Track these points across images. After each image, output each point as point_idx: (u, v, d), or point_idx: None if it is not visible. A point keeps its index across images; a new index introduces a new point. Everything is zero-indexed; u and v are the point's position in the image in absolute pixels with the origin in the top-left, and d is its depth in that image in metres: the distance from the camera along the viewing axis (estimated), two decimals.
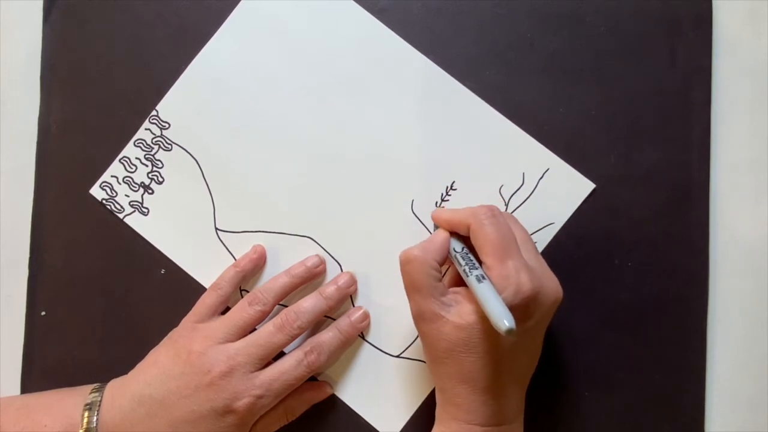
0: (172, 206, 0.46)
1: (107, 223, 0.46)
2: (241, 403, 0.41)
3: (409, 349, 0.46)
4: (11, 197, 0.47)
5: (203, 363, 0.41)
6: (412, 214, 0.46)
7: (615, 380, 0.45)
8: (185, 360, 0.41)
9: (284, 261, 0.46)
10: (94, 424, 0.40)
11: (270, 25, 0.46)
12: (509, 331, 0.33)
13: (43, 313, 0.46)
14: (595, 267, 0.45)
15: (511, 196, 0.46)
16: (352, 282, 0.45)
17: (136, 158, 0.47)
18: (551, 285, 0.38)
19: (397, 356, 0.46)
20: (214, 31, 0.46)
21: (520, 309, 0.36)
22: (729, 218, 0.46)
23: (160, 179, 0.47)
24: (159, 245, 0.46)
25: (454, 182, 0.46)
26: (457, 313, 0.37)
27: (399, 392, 0.45)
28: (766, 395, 0.45)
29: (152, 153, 0.47)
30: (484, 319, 0.36)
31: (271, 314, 0.44)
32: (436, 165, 0.46)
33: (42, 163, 0.47)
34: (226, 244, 0.46)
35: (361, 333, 0.46)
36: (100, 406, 0.41)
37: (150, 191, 0.47)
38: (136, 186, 0.47)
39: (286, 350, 0.44)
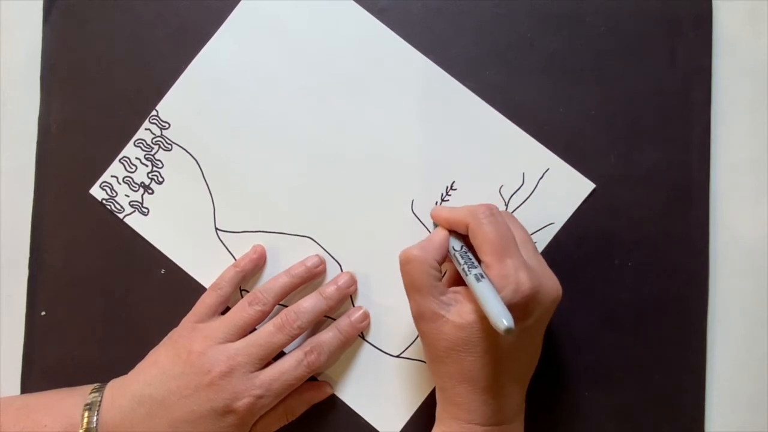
0: (172, 206, 0.46)
1: (107, 223, 0.46)
2: (241, 403, 0.41)
3: (409, 349, 0.46)
4: (11, 197, 0.47)
5: (203, 363, 0.41)
6: (412, 214, 0.46)
7: (615, 380, 0.45)
8: (185, 360, 0.41)
9: (284, 261, 0.46)
10: (94, 424, 0.40)
11: (270, 25, 0.46)
12: (508, 330, 0.33)
13: (43, 313, 0.46)
14: (595, 267, 0.45)
15: (511, 196, 0.46)
16: (352, 282, 0.45)
17: (136, 158, 0.47)
18: (550, 284, 0.38)
19: (397, 356, 0.46)
20: (214, 31, 0.46)
21: (519, 308, 0.36)
22: (729, 218, 0.46)
23: (160, 179, 0.47)
24: (159, 245, 0.46)
25: (454, 182, 0.46)
26: (457, 312, 0.37)
27: (399, 392, 0.45)
28: (766, 395, 0.45)
29: (152, 153, 0.47)
30: (483, 318, 0.36)
31: (271, 314, 0.44)
32: (436, 165, 0.46)
33: (42, 163, 0.47)
34: (226, 244, 0.46)
35: (361, 333, 0.46)
36: (100, 406, 0.41)
37: (150, 191, 0.47)
38: (136, 186, 0.47)
39: (286, 350, 0.44)
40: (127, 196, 0.47)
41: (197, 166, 0.46)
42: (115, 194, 0.46)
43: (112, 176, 0.47)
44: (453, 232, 0.40)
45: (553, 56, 0.46)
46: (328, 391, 0.45)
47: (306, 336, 0.44)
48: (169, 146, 0.47)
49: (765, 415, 0.45)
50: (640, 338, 0.45)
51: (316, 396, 0.45)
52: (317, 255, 0.46)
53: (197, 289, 0.46)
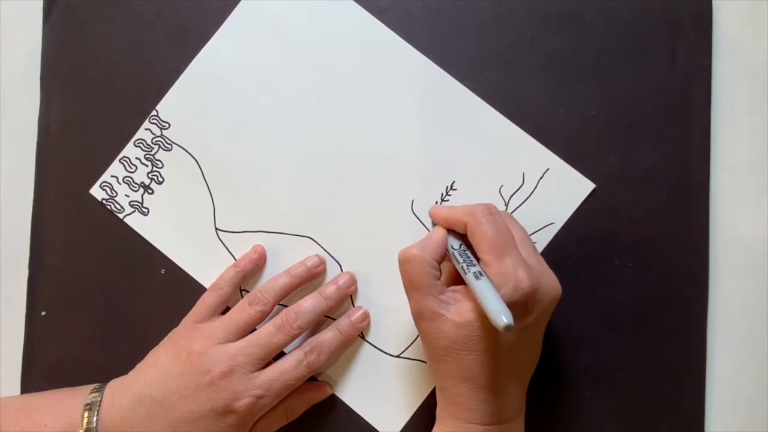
0: (172, 206, 0.46)
1: (107, 223, 0.46)
2: (241, 403, 0.41)
3: (409, 349, 0.46)
4: (11, 197, 0.47)
5: (203, 363, 0.41)
6: (412, 214, 0.46)
7: (615, 380, 0.45)
8: (185, 360, 0.41)
9: (284, 261, 0.46)
10: (94, 424, 0.40)
11: (270, 25, 0.46)
12: (507, 328, 0.33)
13: (43, 313, 0.46)
14: (595, 267, 0.45)
15: (511, 196, 0.46)
16: (352, 282, 0.45)
17: (136, 158, 0.47)
18: (550, 282, 0.38)
19: (397, 356, 0.46)
20: (214, 31, 0.46)
21: (518, 306, 0.36)
22: (729, 218, 0.46)
23: (160, 179, 0.47)
24: (159, 245, 0.46)
25: (454, 182, 0.46)
26: (457, 311, 0.37)
27: (399, 392, 0.45)
28: (766, 395, 0.45)
29: (152, 153, 0.47)
30: (483, 316, 0.36)
31: (271, 314, 0.44)
32: (436, 165, 0.46)
33: (42, 163, 0.47)
34: (226, 244, 0.46)
35: (361, 333, 0.46)
36: (100, 406, 0.41)
37: (150, 191, 0.47)
38: (136, 186, 0.47)
39: (286, 350, 0.44)
40: (127, 196, 0.47)
41: (197, 166, 0.46)
42: (115, 194, 0.46)
43: (112, 176, 0.47)
44: (452, 231, 0.40)
45: (553, 56, 0.46)
46: (328, 391, 0.45)
47: (306, 336, 0.44)
48: (169, 146, 0.47)
49: (765, 415, 0.45)
50: (640, 338, 0.45)
51: (316, 396, 0.45)
52: (317, 255, 0.46)
53: (197, 289, 0.46)
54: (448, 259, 0.40)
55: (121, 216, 0.46)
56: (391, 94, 0.46)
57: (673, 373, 0.45)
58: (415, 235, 0.46)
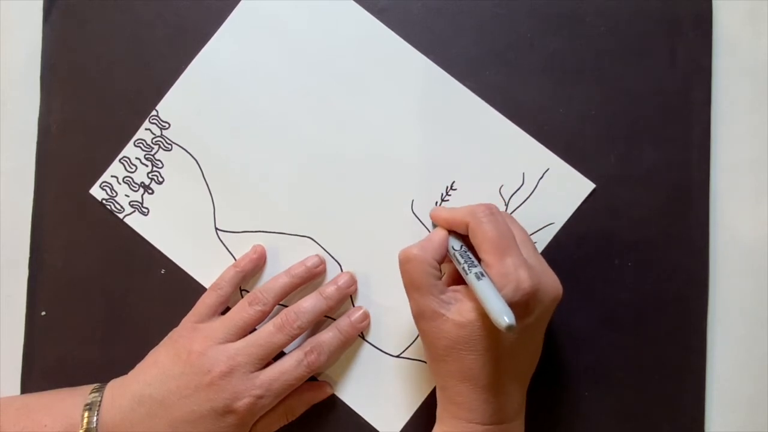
0: (172, 206, 0.46)
1: (107, 223, 0.46)
2: (241, 403, 0.41)
3: (409, 349, 0.46)
4: (11, 197, 0.47)
5: (203, 363, 0.41)
6: (412, 214, 0.46)
7: (615, 380, 0.45)
8: (185, 360, 0.41)
9: (284, 261, 0.46)
10: (94, 424, 0.40)
11: (270, 25, 0.46)
12: (509, 327, 0.33)
13: (43, 313, 0.46)
14: (595, 267, 0.45)
15: (511, 196, 0.46)
16: (352, 282, 0.45)
17: (136, 158, 0.47)
18: (551, 282, 0.38)
19: (397, 356, 0.46)
20: (214, 31, 0.46)
21: (520, 306, 0.36)
22: (729, 218, 0.46)
23: (160, 179, 0.47)
24: (159, 245, 0.46)
25: (454, 182, 0.46)
26: (457, 310, 0.37)
27: (399, 392, 0.45)
28: (766, 395, 0.45)
29: (152, 153, 0.47)
30: (484, 316, 0.36)
31: (271, 314, 0.44)
32: (436, 165, 0.46)
33: (42, 163, 0.47)
34: (226, 244, 0.46)
35: (361, 333, 0.46)
36: (100, 406, 0.41)
37: (150, 191, 0.47)
38: (136, 186, 0.47)
39: (286, 350, 0.44)
40: (127, 196, 0.47)
41: (197, 166, 0.46)
42: (115, 194, 0.46)
43: (112, 176, 0.47)
44: (452, 233, 0.40)
45: (553, 56, 0.46)
46: (328, 391, 0.45)
47: (306, 336, 0.44)
48: (169, 146, 0.47)
49: (765, 415, 0.45)
50: (640, 338, 0.45)
51: (316, 396, 0.45)
52: (317, 255, 0.46)
53: (197, 289, 0.46)
54: (448, 260, 0.40)
55: (121, 216, 0.46)
56: (391, 94, 0.46)
57: (673, 373, 0.45)
58: (415, 235, 0.46)
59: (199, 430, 0.40)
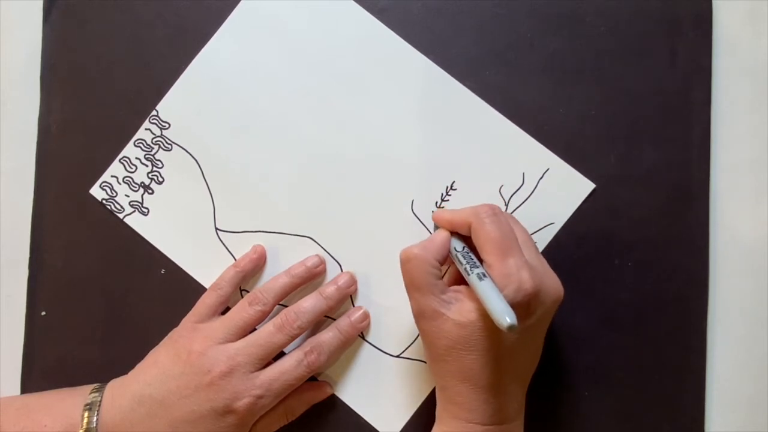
0: (172, 206, 0.46)
1: (107, 223, 0.46)
2: (241, 403, 0.41)
3: (409, 349, 0.46)
4: (11, 197, 0.47)
5: (203, 363, 0.41)
6: (412, 214, 0.46)
7: (615, 380, 0.45)
8: (185, 360, 0.41)
9: (284, 261, 0.46)
10: (94, 424, 0.40)
11: (270, 25, 0.46)
12: (511, 327, 0.33)
13: (43, 313, 0.46)
14: (595, 267, 0.45)
15: (511, 196, 0.46)
16: (352, 282, 0.45)
17: (136, 158, 0.47)
18: (552, 283, 0.38)
19: (397, 356, 0.46)
20: (214, 31, 0.46)
21: (521, 306, 0.36)
22: (729, 218, 0.46)
23: (160, 179, 0.47)
24: (159, 245, 0.46)
25: (454, 182, 0.46)
26: (458, 310, 0.37)
27: (399, 392, 0.45)
28: (766, 395, 0.45)
29: (152, 153, 0.47)
30: (485, 316, 0.36)
31: (271, 314, 0.44)
32: (436, 165, 0.46)
33: (42, 163, 0.47)
34: (226, 244, 0.46)
35: (361, 333, 0.46)
36: (100, 406, 0.41)
37: (150, 191, 0.47)
38: (136, 186, 0.47)
39: (286, 350, 0.44)
40: (127, 196, 0.47)
41: (197, 166, 0.46)
42: (115, 194, 0.46)
43: (112, 176, 0.47)
44: (454, 234, 0.40)
45: (553, 56, 0.46)
46: (328, 391, 0.45)
47: (306, 336, 0.44)
48: (169, 146, 0.47)
49: (765, 415, 0.45)
50: (640, 338, 0.45)
51: (316, 396, 0.45)
52: (317, 255, 0.46)
53: (197, 289, 0.46)
54: (449, 261, 0.40)
55: (121, 216, 0.46)
56: (391, 94, 0.46)
57: (673, 373, 0.45)
58: (415, 235, 0.46)
59: (199, 430, 0.40)
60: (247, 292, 0.46)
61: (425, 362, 0.45)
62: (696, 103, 0.45)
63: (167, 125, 0.46)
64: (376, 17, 0.46)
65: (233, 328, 0.42)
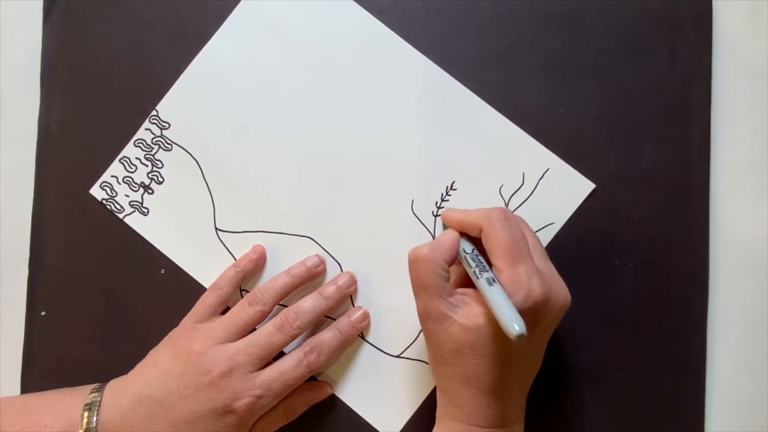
0: (172, 206, 0.46)
1: (107, 223, 0.46)
2: (241, 403, 0.41)
3: (409, 349, 0.46)
4: (11, 197, 0.47)
5: (203, 363, 0.41)
6: (412, 214, 0.46)
7: (615, 380, 0.45)
8: (185, 360, 0.41)
9: (284, 261, 0.46)
10: (94, 424, 0.40)
11: (270, 25, 0.46)
12: (520, 336, 0.33)
13: (43, 313, 0.46)
14: (595, 267, 0.45)
15: (511, 196, 0.46)
16: (352, 282, 0.45)
17: (136, 158, 0.47)
18: (560, 290, 0.38)
19: (397, 356, 0.46)
20: (214, 31, 0.46)
21: (530, 314, 0.36)
22: (729, 218, 0.46)
23: (160, 179, 0.47)
24: (159, 245, 0.46)
25: (454, 182, 0.46)
26: (465, 314, 0.37)
27: (399, 392, 0.45)
28: (766, 395, 0.45)
29: (152, 153, 0.47)
30: (492, 322, 0.36)
31: (271, 314, 0.44)
32: (436, 165, 0.46)
33: (42, 163, 0.47)
34: (226, 244, 0.46)
35: (361, 333, 0.46)
36: (99, 406, 0.41)
37: (150, 191, 0.47)
38: (136, 186, 0.47)
39: (286, 350, 0.44)
40: (127, 196, 0.47)
41: (197, 166, 0.46)
42: (115, 194, 0.47)
43: (112, 176, 0.47)
44: (464, 235, 0.40)
45: (553, 56, 0.46)
46: (328, 391, 0.45)
47: (306, 336, 0.44)
48: (169, 146, 0.47)
49: (765, 415, 0.45)
50: (640, 338, 0.45)
51: (316, 396, 0.45)
52: (317, 255, 0.46)
53: (197, 289, 0.46)
54: (458, 262, 0.40)
55: (121, 216, 0.46)
56: (391, 94, 0.46)
57: (673, 373, 0.45)
58: (415, 235, 0.46)
59: (199, 430, 0.40)
60: (247, 292, 0.46)
61: (425, 362, 0.45)
62: (696, 103, 0.45)
63: (167, 125, 0.46)
64: (376, 17, 0.46)
65: (233, 328, 0.42)
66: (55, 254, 0.46)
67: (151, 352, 0.43)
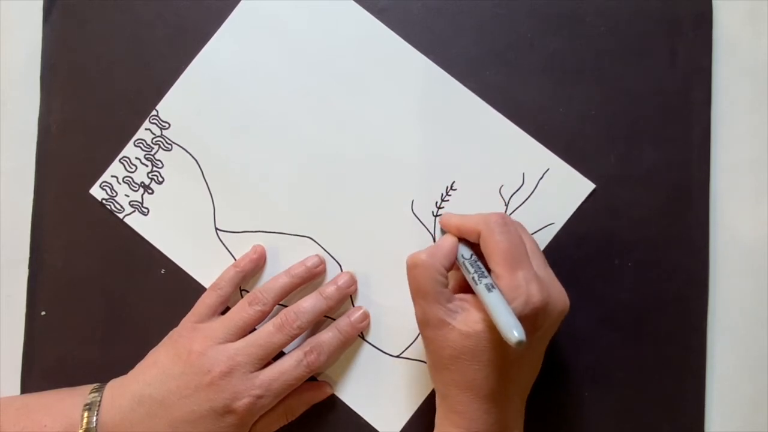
0: (172, 206, 0.46)
1: (107, 223, 0.46)
2: (241, 403, 0.41)
3: (409, 349, 0.46)
4: (11, 197, 0.47)
5: (203, 363, 0.41)
6: (412, 214, 0.46)
7: (615, 380, 0.45)
8: (185, 360, 0.41)
9: (284, 261, 0.46)
10: (94, 424, 0.40)
11: (270, 25, 0.46)
12: (519, 343, 0.33)
13: (43, 313, 0.46)
14: (595, 267, 0.45)
15: (511, 196, 0.46)
16: (352, 282, 0.45)
17: (136, 158, 0.47)
18: (559, 295, 0.38)
19: (397, 356, 0.46)
20: (214, 31, 0.46)
21: (529, 320, 0.36)
22: (729, 218, 0.46)
23: (160, 179, 0.47)
24: (159, 245, 0.46)
25: (454, 182, 0.46)
26: (464, 320, 0.37)
27: (399, 392, 0.45)
28: (766, 395, 0.45)
29: (152, 153, 0.47)
30: (491, 328, 0.36)
31: (271, 314, 0.44)
32: (436, 165, 0.46)
33: (42, 163, 0.47)
34: (226, 244, 0.46)
35: (361, 333, 0.46)
36: (99, 406, 0.41)
37: (150, 191, 0.47)
38: (136, 186, 0.47)
39: (285, 350, 0.44)
40: (127, 196, 0.47)
41: (197, 166, 0.46)
42: (115, 194, 0.47)
43: (112, 176, 0.47)
44: (462, 240, 0.40)
45: (553, 56, 0.46)
46: (328, 391, 0.45)
47: (306, 336, 0.44)
48: (169, 146, 0.47)
49: (765, 415, 0.45)
50: (640, 338, 0.45)
51: (316, 396, 0.45)
52: (317, 255, 0.46)
53: (197, 289, 0.46)
54: (456, 267, 0.40)
55: (121, 216, 0.46)
56: (391, 94, 0.46)
57: (673, 373, 0.45)
58: (415, 235, 0.46)
59: (199, 430, 0.40)
60: (247, 292, 0.46)
61: (425, 362, 0.45)
62: (696, 103, 0.45)
63: (167, 125, 0.46)
64: (376, 17, 0.46)
65: (233, 328, 0.42)
66: (55, 254, 0.46)
67: (151, 352, 0.43)
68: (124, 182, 0.47)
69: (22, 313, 0.46)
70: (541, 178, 0.46)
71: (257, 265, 0.46)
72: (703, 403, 0.45)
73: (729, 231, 0.46)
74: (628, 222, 0.45)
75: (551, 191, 0.45)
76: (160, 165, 0.47)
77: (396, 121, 0.46)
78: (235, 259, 0.46)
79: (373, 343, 0.46)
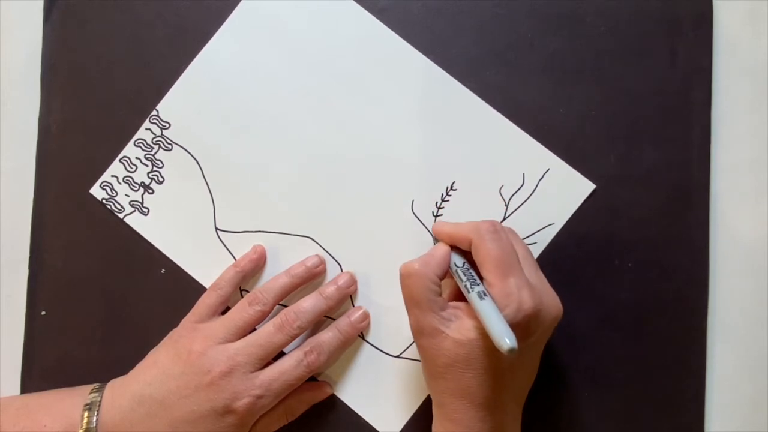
0: (172, 206, 0.46)
1: (107, 223, 0.46)
2: (241, 403, 0.41)
3: (409, 349, 0.46)
4: (11, 197, 0.47)
5: (203, 363, 0.41)
6: (412, 214, 0.46)
7: (615, 380, 0.45)
8: (185, 360, 0.41)
9: (284, 261, 0.46)
10: (94, 424, 0.40)
11: (270, 25, 0.46)
12: (511, 351, 0.33)
13: (43, 313, 0.46)
14: (595, 267, 0.45)
15: (512, 196, 0.46)
16: (352, 282, 0.45)
17: (136, 158, 0.47)
18: (552, 302, 0.38)
19: (397, 356, 0.46)
20: (214, 31, 0.46)
21: (521, 327, 0.36)
22: (729, 218, 0.46)
23: (160, 179, 0.47)
24: (159, 245, 0.46)
25: (454, 182, 0.46)
26: (457, 328, 0.37)
27: (399, 392, 0.45)
28: (766, 395, 0.45)
29: (152, 153, 0.47)
30: (484, 335, 0.36)
31: (271, 314, 0.44)
32: (436, 165, 0.46)
33: (42, 163, 0.47)
34: (226, 244, 0.46)
35: (361, 333, 0.46)
36: (99, 406, 0.41)
37: (150, 191, 0.47)
38: (136, 186, 0.47)
39: (286, 350, 0.44)
40: (127, 195, 0.47)
41: (197, 166, 0.46)
42: (115, 194, 0.47)
43: (112, 176, 0.47)
44: (455, 248, 0.40)
45: (553, 56, 0.46)
46: (328, 391, 0.45)
47: (306, 336, 0.44)
48: (169, 146, 0.47)
49: (765, 415, 0.45)
50: (640, 338, 0.45)
51: (316, 396, 0.45)
52: (317, 255, 0.46)
53: (197, 289, 0.46)
54: (449, 275, 0.40)
55: (121, 216, 0.46)
56: (391, 94, 0.46)
57: (673, 373, 0.45)
58: (415, 235, 0.46)
59: (199, 430, 0.40)
60: (247, 292, 0.46)
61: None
62: (696, 103, 0.45)
63: (167, 125, 0.46)
64: (376, 17, 0.46)
65: (233, 328, 0.42)
66: (55, 254, 0.46)
67: (151, 352, 0.43)
68: (125, 182, 0.47)
69: (22, 313, 0.46)
70: (542, 178, 0.46)
71: (257, 265, 0.46)
72: (703, 403, 0.45)
73: (729, 231, 0.46)
74: (628, 222, 0.45)
75: (551, 191, 0.45)
76: (161, 165, 0.47)
77: (396, 121, 0.46)
78: (235, 259, 0.46)
79: (373, 343, 0.46)
